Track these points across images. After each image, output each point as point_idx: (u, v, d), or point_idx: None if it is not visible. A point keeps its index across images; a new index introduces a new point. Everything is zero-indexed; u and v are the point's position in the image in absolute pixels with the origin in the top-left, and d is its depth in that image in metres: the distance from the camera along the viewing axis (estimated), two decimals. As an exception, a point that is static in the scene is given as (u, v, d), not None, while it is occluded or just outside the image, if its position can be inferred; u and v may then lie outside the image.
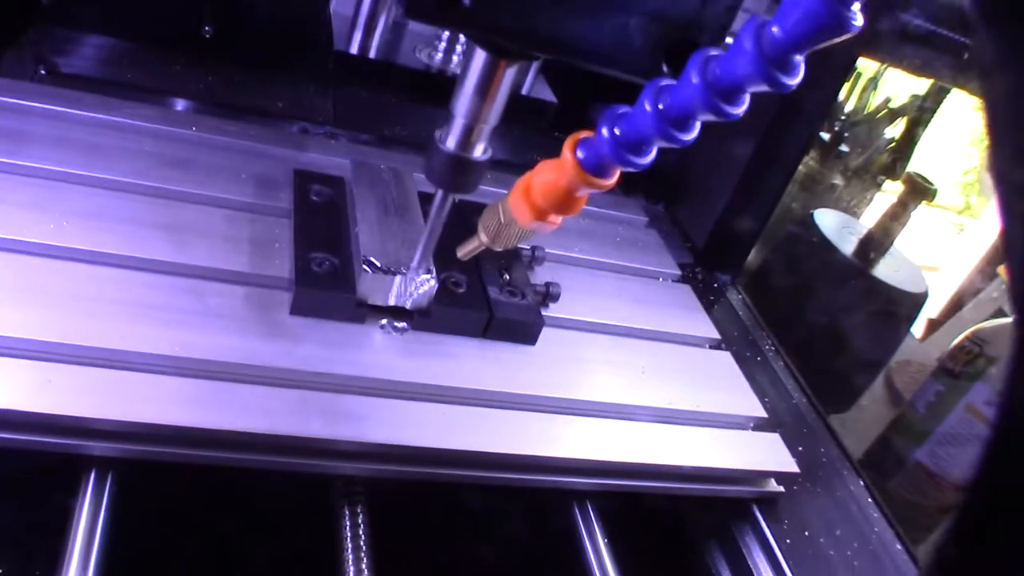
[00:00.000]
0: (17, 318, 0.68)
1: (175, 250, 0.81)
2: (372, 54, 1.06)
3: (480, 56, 0.65)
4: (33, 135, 0.89)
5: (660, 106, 0.53)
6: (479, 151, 0.71)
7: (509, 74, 0.67)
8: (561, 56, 0.63)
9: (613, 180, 0.61)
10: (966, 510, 0.32)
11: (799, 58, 0.46)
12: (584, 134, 0.60)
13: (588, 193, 0.63)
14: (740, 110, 0.50)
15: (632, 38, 0.60)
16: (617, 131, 0.56)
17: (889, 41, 1.07)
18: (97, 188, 0.86)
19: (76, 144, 0.90)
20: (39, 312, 0.70)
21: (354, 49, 1.04)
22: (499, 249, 0.70)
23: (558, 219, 0.66)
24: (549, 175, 0.62)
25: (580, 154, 0.60)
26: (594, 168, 0.59)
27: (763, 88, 0.47)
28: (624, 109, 0.57)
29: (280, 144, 1.03)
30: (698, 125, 0.53)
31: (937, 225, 3.41)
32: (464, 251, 0.74)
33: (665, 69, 0.59)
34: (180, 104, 1.14)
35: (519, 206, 0.65)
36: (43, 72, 1.10)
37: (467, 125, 0.69)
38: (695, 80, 0.49)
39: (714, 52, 0.50)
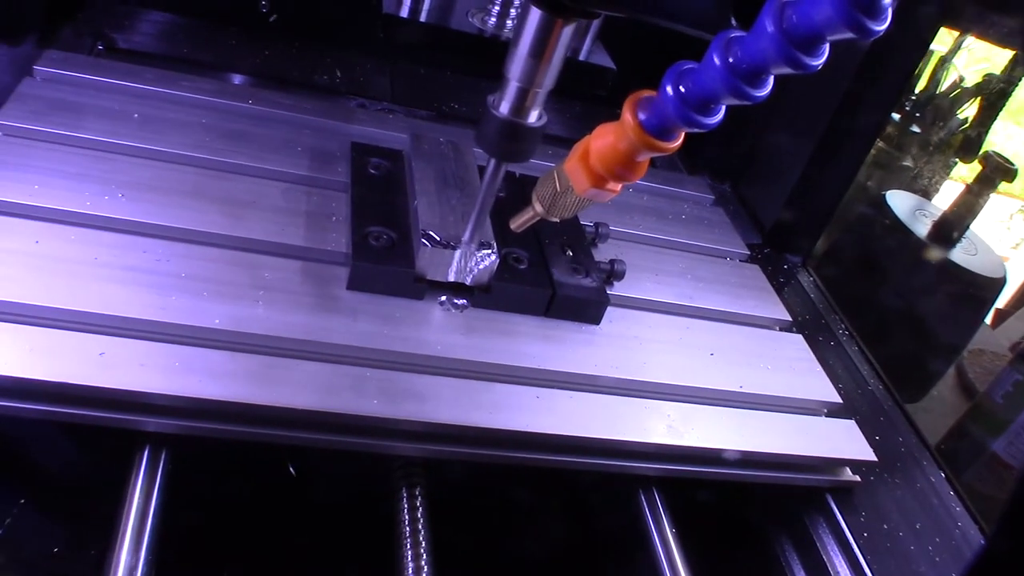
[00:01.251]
0: (70, 289, 0.67)
1: (231, 223, 0.79)
2: (423, 18, 1.02)
3: (535, 15, 0.62)
4: (90, 107, 0.88)
5: (730, 59, 0.48)
6: (534, 117, 0.67)
7: (565, 34, 0.63)
8: (620, 10, 0.59)
9: (678, 143, 0.57)
10: (1016, 501, 0.29)
11: (887, 0, 0.42)
12: (645, 93, 0.56)
13: (649, 157, 0.59)
14: (819, 61, 0.45)
15: None
16: (682, 88, 0.52)
17: (974, 9, 1.01)
18: (153, 160, 0.84)
19: (133, 117, 0.89)
20: (92, 284, 0.68)
21: (404, 13, 1.01)
22: (555, 219, 0.67)
23: (617, 186, 0.62)
24: (608, 139, 0.59)
25: (641, 115, 0.56)
26: (657, 130, 0.55)
27: (846, 35, 0.42)
28: (689, 65, 0.53)
29: (336, 118, 1.01)
30: (771, 80, 0.49)
31: (1004, 213, 3.30)
32: (518, 222, 0.70)
33: (734, 23, 0.55)
34: (237, 78, 1.12)
35: (576, 173, 0.62)
36: (100, 48, 1.09)
37: (521, 89, 0.65)
38: (770, 29, 0.45)
39: None
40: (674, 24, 0.57)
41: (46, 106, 0.86)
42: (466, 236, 0.77)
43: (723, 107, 0.53)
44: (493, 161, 0.71)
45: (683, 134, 0.57)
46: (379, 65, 1.25)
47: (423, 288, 0.79)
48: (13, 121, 0.82)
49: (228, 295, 0.72)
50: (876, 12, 0.41)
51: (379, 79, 1.21)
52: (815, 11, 0.43)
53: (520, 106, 0.66)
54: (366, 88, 1.18)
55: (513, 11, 1.14)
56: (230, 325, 0.69)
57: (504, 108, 0.66)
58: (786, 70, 0.46)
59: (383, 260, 0.77)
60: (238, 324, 0.69)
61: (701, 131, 0.54)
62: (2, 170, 0.76)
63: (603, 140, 0.59)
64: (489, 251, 0.79)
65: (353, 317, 0.74)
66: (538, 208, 0.67)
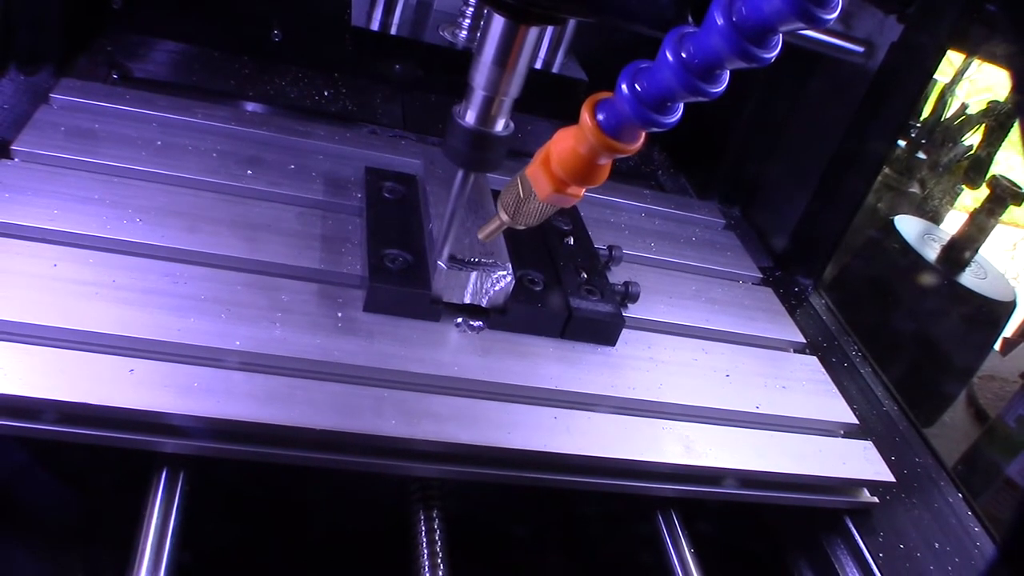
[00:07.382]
0: (88, 311, 0.67)
1: (248, 246, 0.79)
2: (393, 31, 1.02)
3: (498, 22, 0.62)
4: (107, 134, 0.89)
5: (683, 55, 0.48)
6: (500, 125, 0.68)
7: (529, 40, 0.63)
8: (580, 13, 0.59)
9: (637, 144, 0.56)
10: (1016, 529, 0.29)
11: None
12: (604, 95, 0.56)
13: (611, 160, 0.59)
14: (771, 54, 0.45)
15: None
16: (638, 87, 0.52)
17: (978, 32, 1.02)
18: (170, 186, 0.85)
19: (149, 143, 0.89)
20: (110, 306, 0.68)
21: (375, 26, 1.01)
22: (521, 227, 0.67)
23: (580, 191, 0.61)
24: (568, 142, 0.58)
25: (600, 116, 0.55)
26: (616, 131, 0.55)
27: (797, 25, 0.42)
28: (645, 64, 0.52)
29: (349, 144, 1.01)
30: (727, 75, 0.49)
31: (1007, 243, 3.30)
32: (485, 232, 0.70)
33: (691, 20, 0.54)
34: (250, 105, 1.13)
35: (538, 178, 0.61)
36: (116, 76, 1.10)
37: (487, 97, 0.66)
38: (720, 22, 0.45)
39: None
40: (632, 24, 0.57)
41: (63, 133, 0.86)
42: (436, 249, 0.77)
43: (680, 105, 0.53)
44: (461, 172, 0.71)
45: (643, 135, 0.56)
46: (390, 92, 1.26)
47: (439, 310, 0.79)
48: (31, 147, 0.83)
49: (246, 317, 0.72)
50: (826, 1, 0.41)
51: (390, 106, 1.22)
52: (764, 2, 0.43)
53: (486, 115, 0.67)
54: (378, 115, 1.19)
55: (483, 23, 1.14)
56: (249, 346, 0.69)
57: (470, 118, 0.67)
58: (739, 64, 0.46)
59: (400, 282, 0.77)
60: (257, 345, 0.69)
61: (660, 130, 0.53)
62: (21, 195, 0.77)
63: (563, 144, 0.59)
64: (505, 273, 0.79)
65: (370, 338, 0.74)
66: (503, 216, 0.67)
